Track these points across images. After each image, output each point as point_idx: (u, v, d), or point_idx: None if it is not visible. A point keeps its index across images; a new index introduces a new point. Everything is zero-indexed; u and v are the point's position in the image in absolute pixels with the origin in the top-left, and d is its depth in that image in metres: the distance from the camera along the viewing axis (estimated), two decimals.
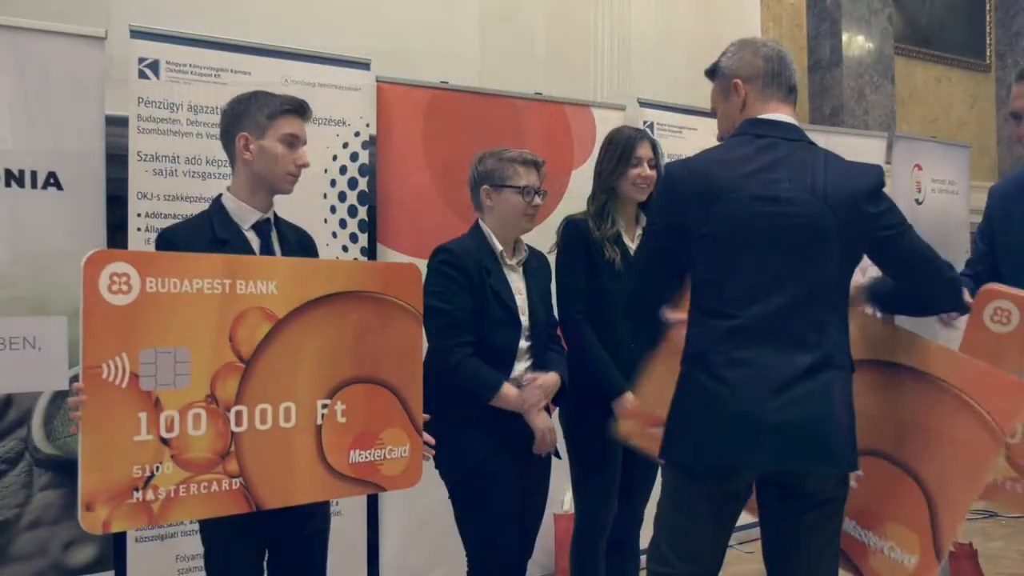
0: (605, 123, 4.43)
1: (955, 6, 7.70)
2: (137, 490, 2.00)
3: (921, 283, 2.22)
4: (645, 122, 4.60)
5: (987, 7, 7.92)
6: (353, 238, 3.77)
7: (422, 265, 2.63)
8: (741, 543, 4.84)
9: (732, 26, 5.91)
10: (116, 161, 3.35)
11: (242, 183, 2.43)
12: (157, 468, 2.02)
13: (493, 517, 2.65)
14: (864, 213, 2.12)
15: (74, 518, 3.17)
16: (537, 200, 2.76)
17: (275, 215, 2.50)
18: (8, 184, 3.14)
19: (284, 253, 2.46)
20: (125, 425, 2.00)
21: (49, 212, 3.18)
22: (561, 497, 4.07)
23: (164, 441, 2.03)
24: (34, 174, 3.18)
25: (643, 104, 4.65)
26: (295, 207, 3.55)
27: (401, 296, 2.38)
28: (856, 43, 6.58)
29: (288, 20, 4.25)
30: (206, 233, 2.36)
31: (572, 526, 3.99)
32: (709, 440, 2.11)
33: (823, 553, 2.21)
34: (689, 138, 4.72)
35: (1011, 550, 4.83)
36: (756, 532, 4.86)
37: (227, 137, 2.44)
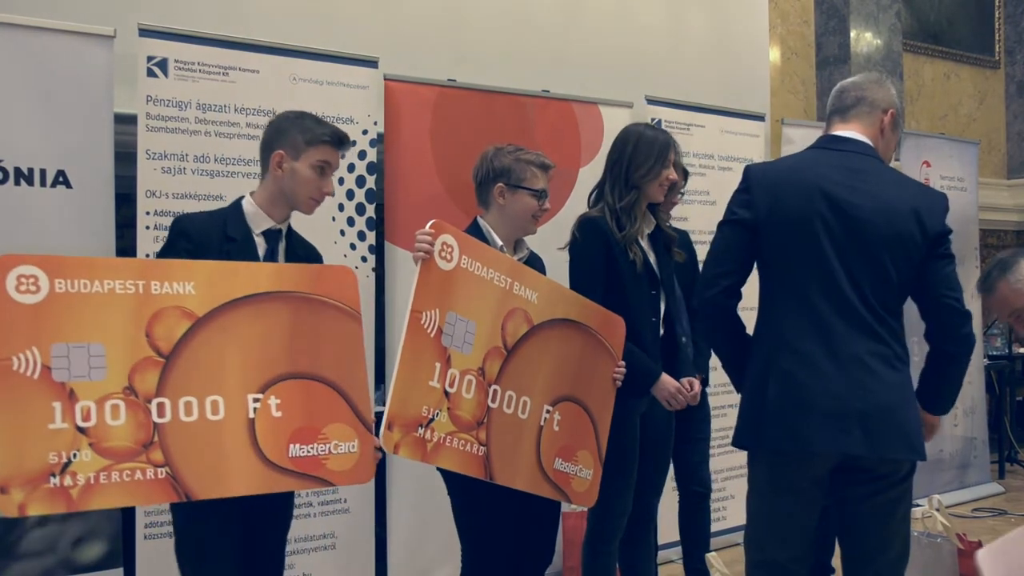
0: (613, 120, 4.43)
1: (964, 2, 7.66)
2: (54, 476, 2.03)
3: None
4: (653, 119, 4.58)
5: (996, 3, 7.88)
6: (361, 236, 3.77)
7: None
8: None
9: (740, 23, 5.90)
10: (125, 159, 3.36)
11: (266, 193, 2.52)
12: (75, 455, 2.06)
13: (489, 514, 2.66)
14: (927, 231, 2.34)
15: (84, 515, 3.19)
16: (547, 205, 2.82)
17: (289, 227, 2.58)
18: (17, 182, 3.15)
19: (287, 262, 2.53)
20: (37, 413, 2.04)
21: (58, 210, 3.20)
22: None
23: (81, 430, 2.07)
24: (43, 172, 3.19)
25: (651, 101, 4.64)
26: None
27: (334, 296, 2.40)
28: (864, 39, 6.56)
29: (296, 18, 4.26)
30: (218, 228, 2.45)
31: (580, 523, 4.00)
32: (803, 427, 2.24)
33: (897, 530, 2.38)
34: (697, 135, 4.72)
35: None
36: None
37: (265, 148, 2.54)
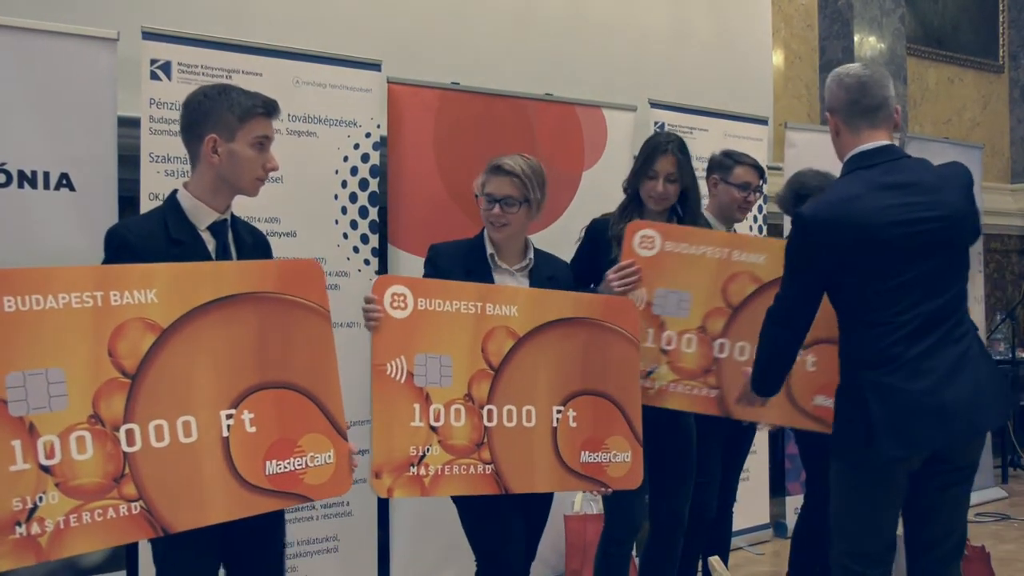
0: (616, 124, 4.44)
1: (968, 6, 7.65)
2: (20, 524, 1.86)
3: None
4: (656, 123, 4.59)
5: (1000, 7, 7.87)
6: (364, 239, 3.77)
7: None
8: (752, 545, 4.82)
9: (743, 26, 5.90)
10: (128, 162, 3.36)
11: (204, 183, 2.31)
12: (40, 499, 1.88)
13: (493, 518, 2.65)
14: (971, 212, 2.49)
15: None
16: (496, 209, 2.69)
17: (232, 215, 2.41)
18: (21, 185, 3.15)
19: (239, 255, 2.37)
20: None
21: (61, 213, 3.20)
22: (572, 498, 4.07)
23: (45, 469, 1.90)
24: (47, 175, 3.19)
25: (654, 105, 4.64)
26: (306, 209, 3.57)
27: (302, 295, 2.26)
28: (868, 44, 6.55)
29: (299, 21, 4.26)
30: (160, 232, 2.25)
31: (583, 527, 4.00)
32: (910, 432, 2.39)
33: (962, 517, 2.57)
34: (700, 139, 4.71)
35: None
36: (766, 534, 4.88)
37: (191, 135, 2.31)
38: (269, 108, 2.34)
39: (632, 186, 3.07)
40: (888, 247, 2.40)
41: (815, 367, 2.90)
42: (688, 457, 3.13)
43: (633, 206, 3.05)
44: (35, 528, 1.88)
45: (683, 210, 3.09)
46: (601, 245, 3.03)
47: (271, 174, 2.39)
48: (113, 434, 1.98)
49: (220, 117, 2.27)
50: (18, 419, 1.88)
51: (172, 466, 2.04)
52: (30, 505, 1.88)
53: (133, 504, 1.98)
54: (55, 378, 1.92)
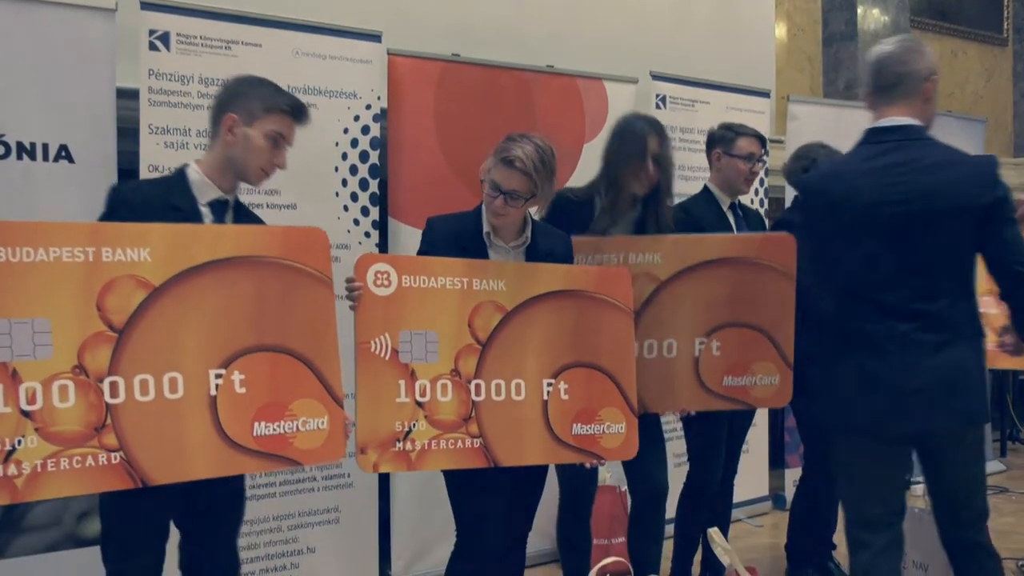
0: (617, 96, 4.41)
1: None
2: None
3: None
4: (658, 95, 4.57)
5: None
6: (364, 211, 3.76)
7: None
8: (751, 517, 4.85)
9: None
10: (127, 134, 3.34)
11: (214, 160, 2.37)
12: (19, 442, 1.95)
13: (477, 489, 2.66)
14: (977, 204, 2.39)
15: None
16: (499, 200, 2.60)
17: (237, 199, 2.44)
18: (20, 157, 3.14)
19: None
20: None
21: (60, 185, 3.19)
22: None
23: (26, 414, 1.96)
24: (45, 147, 3.18)
25: (656, 77, 4.62)
26: (306, 181, 3.56)
27: (305, 261, 2.30)
28: (871, 16, 6.51)
29: None
30: (161, 197, 2.29)
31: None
32: (869, 407, 2.44)
33: (978, 477, 2.56)
34: (702, 111, 4.69)
35: (1022, 526, 4.83)
36: (765, 507, 4.89)
37: (217, 111, 2.38)
38: (295, 110, 2.38)
39: (619, 173, 3.00)
40: (867, 223, 2.44)
41: (720, 352, 3.02)
42: (657, 424, 3.15)
43: (616, 201, 3.03)
44: (12, 469, 1.94)
45: (653, 200, 3.07)
46: (564, 220, 2.95)
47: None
48: (97, 385, 2.03)
49: (246, 101, 2.34)
50: (1, 364, 1.95)
51: (155, 420, 2.09)
52: (8, 447, 1.94)
53: (113, 454, 2.04)
54: (41, 328, 1.99)
